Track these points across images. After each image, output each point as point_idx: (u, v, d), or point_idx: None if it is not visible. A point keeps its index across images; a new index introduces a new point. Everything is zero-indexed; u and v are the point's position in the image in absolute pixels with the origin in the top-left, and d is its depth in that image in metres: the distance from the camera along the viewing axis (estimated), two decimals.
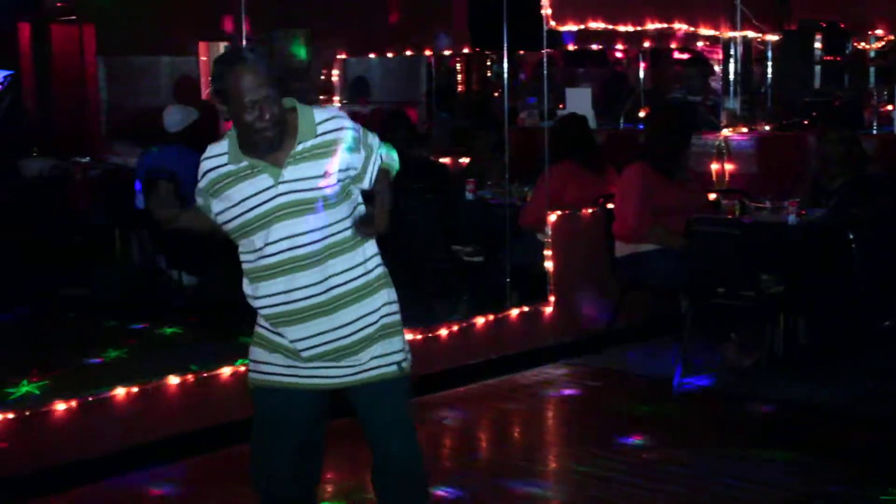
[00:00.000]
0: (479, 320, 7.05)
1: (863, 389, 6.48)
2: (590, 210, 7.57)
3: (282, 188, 3.45)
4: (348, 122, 3.57)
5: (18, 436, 5.14)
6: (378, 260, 3.65)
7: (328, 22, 11.38)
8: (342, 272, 3.52)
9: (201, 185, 3.58)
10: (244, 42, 6.37)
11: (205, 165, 3.56)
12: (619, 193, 7.28)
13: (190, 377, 5.71)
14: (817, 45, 11.38)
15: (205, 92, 13.47)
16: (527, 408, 6.52)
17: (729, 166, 8.71)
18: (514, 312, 7.24)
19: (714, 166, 8.62)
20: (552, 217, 7.34)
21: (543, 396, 6.72)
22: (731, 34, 9.21)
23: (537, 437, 6.16)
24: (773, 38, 9.88)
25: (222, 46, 13.84)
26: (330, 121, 3.53)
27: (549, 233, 7.33)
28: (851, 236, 6.57)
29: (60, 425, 5.28)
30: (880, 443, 5.76)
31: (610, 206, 7.44)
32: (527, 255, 7.49)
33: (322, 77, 12.18)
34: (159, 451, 5.52)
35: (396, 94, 13.34)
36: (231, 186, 3.49)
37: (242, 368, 5.78)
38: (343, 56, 12.58)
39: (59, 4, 11.61)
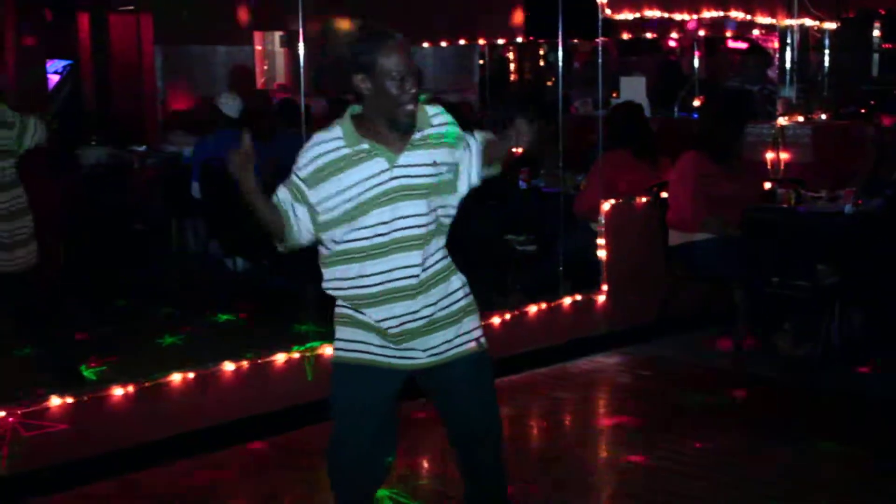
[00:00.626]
0: (532, 309, 7.06)
1: None
2: (643, 199, 7.54)
3: (396, 172, 3.61)
4: (452, 118, 3.77)
5: (76, 420, 5.22)
6: (446, 250, 3.85)
7: (381, 10, 11.40)
8: (432, 255, 3.72)
9: (303, 173, 3.63)
10: (301, 32, 6.41)
11: (315, 151, 3.63)
12: (673, 182, 7.25)
13: (245, 364, 5.77)
14: (876, 32, 11.26)
15: (260, 81, 13.58)
16: (578, 396, 6.52)
17: (784, 155, 8.64)
18: (567, 301, 7.23)
19: (769, 155, 8.55)
20: (606, 206, 7.32)
21: (595, 385, 6.71)
22: (787, 22, 9.12)
23: (588, 426, 6.16)
24: (830, 25, 9.77)
25: (277, 36, 13.95)
26: (440, 115, 3.75)
27: (603, 221, 7.32)
28: None
29: (117, 410, 5.36)
30: None
31: (664, 194, 7.41)
32: (580, 243, 7.48)
33: None
34: (214, 437, 5.59)
35: (449, 83, 13.35)
36: (343, 171, 3.59)
37: (297, 355, 5.83)
38: None
39: None
